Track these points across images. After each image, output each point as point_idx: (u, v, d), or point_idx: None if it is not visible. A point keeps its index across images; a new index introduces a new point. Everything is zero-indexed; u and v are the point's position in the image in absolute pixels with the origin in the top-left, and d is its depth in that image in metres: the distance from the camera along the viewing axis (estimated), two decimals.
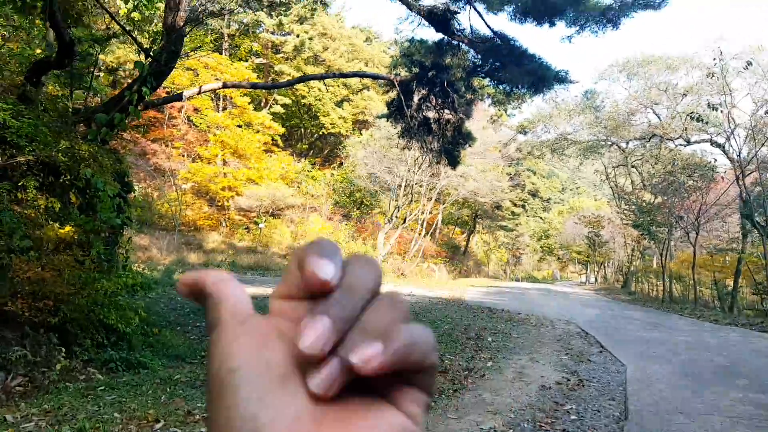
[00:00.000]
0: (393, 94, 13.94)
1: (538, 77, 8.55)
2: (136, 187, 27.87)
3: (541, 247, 64.24)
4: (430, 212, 33.94)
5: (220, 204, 27.91)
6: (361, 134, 32.83)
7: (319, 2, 38.43)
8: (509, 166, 45.34)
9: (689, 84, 31.09)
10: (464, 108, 12.60)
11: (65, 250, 6.66)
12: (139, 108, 10.29)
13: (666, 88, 31.43)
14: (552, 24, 9.23)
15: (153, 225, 24.80)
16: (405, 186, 29.52)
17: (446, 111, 13.03)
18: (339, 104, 36.37)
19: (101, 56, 9.28)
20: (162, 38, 8.51)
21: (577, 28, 9.25)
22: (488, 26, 9.56)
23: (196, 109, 29.51)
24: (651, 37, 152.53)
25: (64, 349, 5.61)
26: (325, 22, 36.86)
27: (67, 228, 6.58)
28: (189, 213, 27.12)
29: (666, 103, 32.22)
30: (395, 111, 13.46)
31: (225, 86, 10.70)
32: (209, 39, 35.12)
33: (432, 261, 34.13)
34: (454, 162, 13.58)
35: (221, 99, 30.47)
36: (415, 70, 12.82)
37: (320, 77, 13.23)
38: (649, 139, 32.75)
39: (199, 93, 10.47)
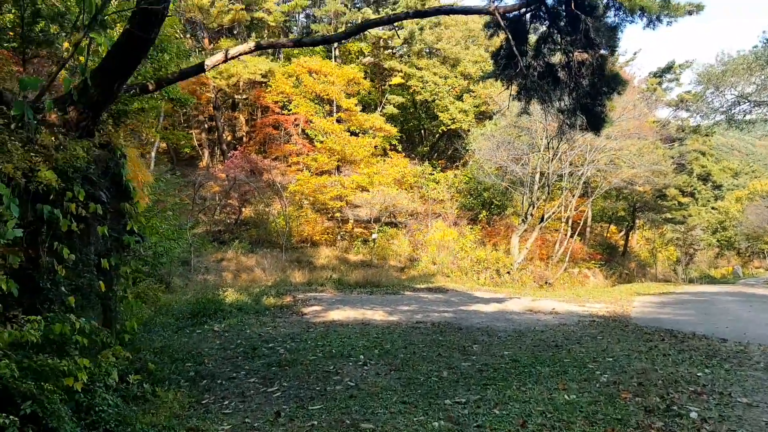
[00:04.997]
0: (499, 40, 10.21)
1: None
2: (251, 208, 27.04)
3: (717, 240, 53.97)
4: (576, 208, 28.65)
5: (331, 216, 25.88)
6: (484, 126, 28.82)
7: None
8: (670, 149, 37.89)
9: None
10: (605, 36, 8.43)
11: None
12: (137, 93, 7.86)
13: None
14: None
15: (265, 243, 23.41)
16: (540, 178, 24.90)
17: (578, 49, 8.96)
18: (459, 98, 32.77)
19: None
20: None
21: None
22: None
23: (308, 121, 28.07)
24: None
25: None
26: None
27: None
28: (306, 228, 25.45)
29: None
30: (505, 62, 9.66)
31: (259, 47, 7.95)
32: (319, 48, 33.92)
33: (584, 265, 28.70)
34: (596, 122, 9.36)
35: (331, 104, 28.65)
36: None
37: (387, 21, 10.02)
38: None
39: (225, 60, 7.81)
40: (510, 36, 8.84)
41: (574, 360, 7.28)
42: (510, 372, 6.56)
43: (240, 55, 7.97)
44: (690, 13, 8.41)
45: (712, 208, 52.35)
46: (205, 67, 7.74)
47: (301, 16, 38.49)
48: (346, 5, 32.09)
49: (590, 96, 9.09)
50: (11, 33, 6.63)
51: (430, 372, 6.68)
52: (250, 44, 7.95)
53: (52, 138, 5.70)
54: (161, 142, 27.21)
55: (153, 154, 23.92)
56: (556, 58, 9.37)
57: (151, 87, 7.86)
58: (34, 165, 5.10)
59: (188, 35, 30.61)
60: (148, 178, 13.29)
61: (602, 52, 8.76)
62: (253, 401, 5.87)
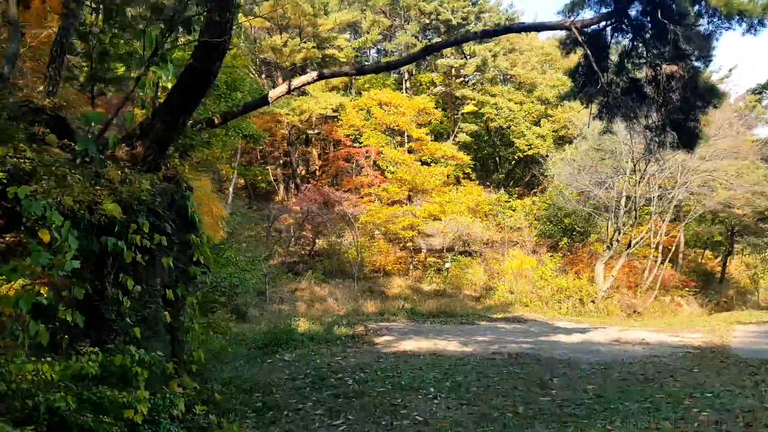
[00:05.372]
0: (576, 58, 9.62)
1: None
2: (324, 239, 27.30)
3: None
4: (667, 233, 26.61)
5: (403, 246, 25.61)
6: (564, 150, 27.72)
7: (505, 20, 35.00)
8: None
9: None
10: (698, 45, 7.66)
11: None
12: (213, 126, 8.01)
13: None
14: None
15: (338, 273, 23.50)
16: (626, 203, 23.43)
17: (666, 61, 8.21)
18: (536, 123, 31.84)
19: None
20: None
21: None
22: None
23: (379, 152, 28.26)
24: None
25: None
26: (512, 37, 33.10)
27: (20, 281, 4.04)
28: (379, 258, 25.36)
29: None
30: (584, 79, 9.08)
31: (322, 76, 7.98)
32: (390, 80, 34.37)
33: (676, 293, 26.46)
34: (690, 139, 8.50)
35: (402, 134, 28.72)
36: (606, 9, 8.45)
37: (453, 42, 9.77)
38: None
39: (289, 91, 7.87)
40: (589, 52, 8.28)
41: (668, 395, 6.51)
42: (594, 408, 5.90)
43: (303, 85, 8.00)
44: None
45: None
46: (269, 98, 7.75)
47: (373, 51, 39.23)
48: (416, 37, 32.37)
49: (682, 111, 8.30)
50: (81, 72, 7.01)
51: (504, 407, 6.13)
52: (313, 74, 7.95)
53: (119, 172, 5.78)
54: (239, 179, 28.31)
55: (231, 189, 24.91)
56: (641, 72, 8.67)
57: (217, 121, 8.00)
58: (98, 198, 5.13)
59: (263, 75, 32.00)
60: (222, 212, 13.66)
61: (695, 63, 7.98)
62: None
